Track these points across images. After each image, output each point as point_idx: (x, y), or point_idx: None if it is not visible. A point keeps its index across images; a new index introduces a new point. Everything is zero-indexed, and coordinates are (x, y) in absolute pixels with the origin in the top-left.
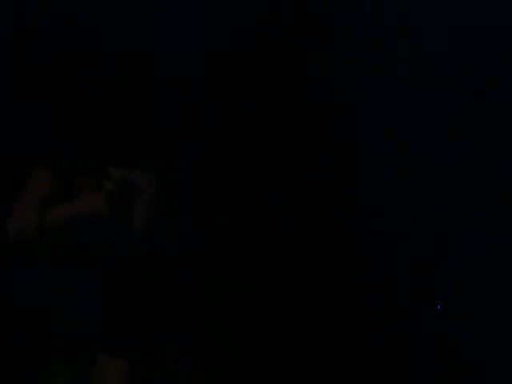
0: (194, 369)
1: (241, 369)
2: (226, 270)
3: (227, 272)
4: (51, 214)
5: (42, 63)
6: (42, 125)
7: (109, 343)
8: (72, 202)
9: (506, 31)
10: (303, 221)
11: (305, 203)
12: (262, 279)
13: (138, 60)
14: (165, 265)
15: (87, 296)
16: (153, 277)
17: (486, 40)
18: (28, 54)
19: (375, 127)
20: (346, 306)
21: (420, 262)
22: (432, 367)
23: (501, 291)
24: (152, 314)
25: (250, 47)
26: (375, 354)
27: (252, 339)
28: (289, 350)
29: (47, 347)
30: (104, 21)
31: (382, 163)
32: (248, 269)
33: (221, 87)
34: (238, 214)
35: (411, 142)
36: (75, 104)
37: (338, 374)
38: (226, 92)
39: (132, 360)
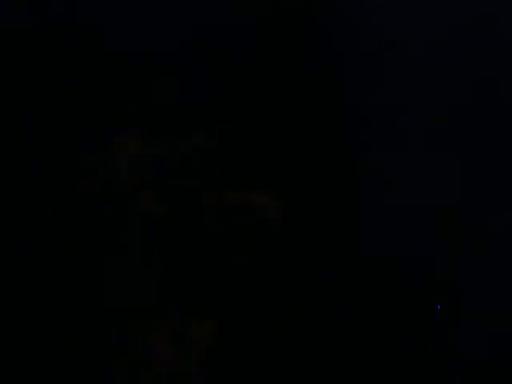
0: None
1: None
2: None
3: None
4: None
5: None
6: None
7: (200, 305)
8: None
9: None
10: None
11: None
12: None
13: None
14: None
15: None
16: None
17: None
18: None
19: (378, 128)
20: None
21: (422, 263)
22: (432, 367)
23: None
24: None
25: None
26: (377, 354)
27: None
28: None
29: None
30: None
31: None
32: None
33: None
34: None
35: (412, 144)
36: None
37: (342, 373)
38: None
39: (219, 321)
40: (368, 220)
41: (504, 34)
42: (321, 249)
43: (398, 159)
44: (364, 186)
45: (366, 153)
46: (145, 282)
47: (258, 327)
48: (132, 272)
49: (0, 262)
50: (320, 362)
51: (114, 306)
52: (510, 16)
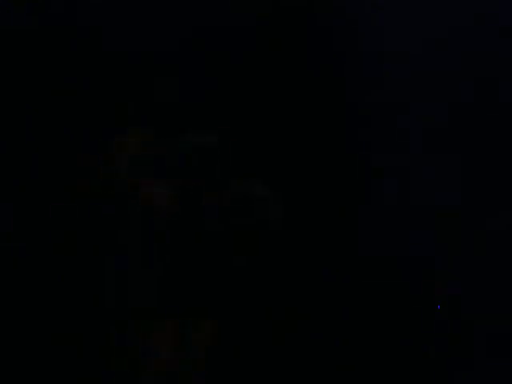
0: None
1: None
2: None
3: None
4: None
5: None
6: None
7: (199, 305)
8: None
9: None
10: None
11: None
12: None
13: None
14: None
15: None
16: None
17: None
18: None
19: (380, 129)
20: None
21: (423, 263)
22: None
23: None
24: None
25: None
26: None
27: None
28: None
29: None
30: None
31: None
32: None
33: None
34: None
35: (413, 146)
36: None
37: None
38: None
39: (219, 321)
40: (368, 220)
41: (504, 33)
42: (320, 249)
43: (398, 159)
44: (364, 185)
45: (365, 152)
46: (145, 282)
47: (258, 327)
48: (132, 272)
49: (0, 261)
50: (320, 362)
51: (114, 306)
52: (510, 16)
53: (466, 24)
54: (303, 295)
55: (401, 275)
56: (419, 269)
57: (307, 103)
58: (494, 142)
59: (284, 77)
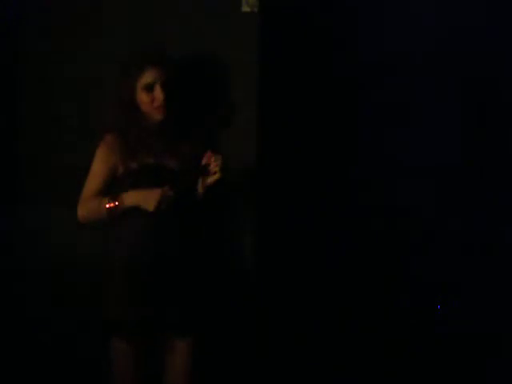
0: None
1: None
2: None
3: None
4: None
5: None
6: None
7: (178, 323)
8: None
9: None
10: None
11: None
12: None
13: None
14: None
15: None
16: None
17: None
18: None
19: (376, 128)
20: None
21: (423, 263)
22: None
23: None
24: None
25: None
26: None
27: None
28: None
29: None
30: None
31: (383, 166)
32: None
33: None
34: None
35: (411, 146)
36: None
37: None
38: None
39: (197, 339)
40: (367, 220)
41: (504, 34)
42: (321, 248)
43: (398, 159)
44: (363, 185)
45: (365, 152)
46: (127, 296)
47: (252, 329)
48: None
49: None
50: (319, 362)
51: (93, 320)
52: (510, 16)
53: (465, 24)
54: (303, 294)
55: (401, 275)
56: (419, 268)
57: (307, 103)
58: (494, 142)
59: (284, 77)
